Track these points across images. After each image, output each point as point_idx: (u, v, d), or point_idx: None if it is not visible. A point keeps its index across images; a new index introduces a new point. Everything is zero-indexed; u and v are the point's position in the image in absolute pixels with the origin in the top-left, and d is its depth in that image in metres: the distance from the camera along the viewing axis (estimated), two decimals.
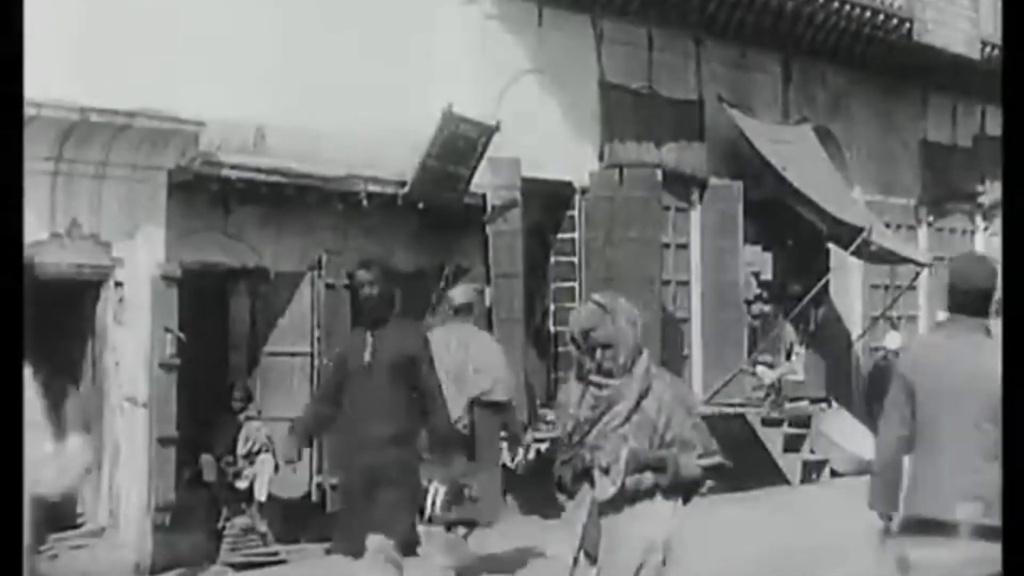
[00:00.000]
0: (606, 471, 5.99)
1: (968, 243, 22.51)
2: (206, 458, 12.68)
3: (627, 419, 6.00)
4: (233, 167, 12.54)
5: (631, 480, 5.97)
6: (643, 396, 6.02)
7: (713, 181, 17.48)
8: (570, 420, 6.12)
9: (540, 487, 14.30)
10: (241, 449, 12.80)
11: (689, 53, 17.55)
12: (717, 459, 6.08)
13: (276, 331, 13.08)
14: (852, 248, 17.85)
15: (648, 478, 5.99)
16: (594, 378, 6.06)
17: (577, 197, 16.11)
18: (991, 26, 20.27)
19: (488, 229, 14.78)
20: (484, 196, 14.67)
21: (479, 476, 10.86)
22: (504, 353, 11.49)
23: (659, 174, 16.28)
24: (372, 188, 13.64)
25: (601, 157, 16.27)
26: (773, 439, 17.14)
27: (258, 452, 12.77)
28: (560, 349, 16.09)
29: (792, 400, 17.88)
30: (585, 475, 6.08)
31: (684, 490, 6.10)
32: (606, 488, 6.00)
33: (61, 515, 11.00)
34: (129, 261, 11.54)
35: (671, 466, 5.99)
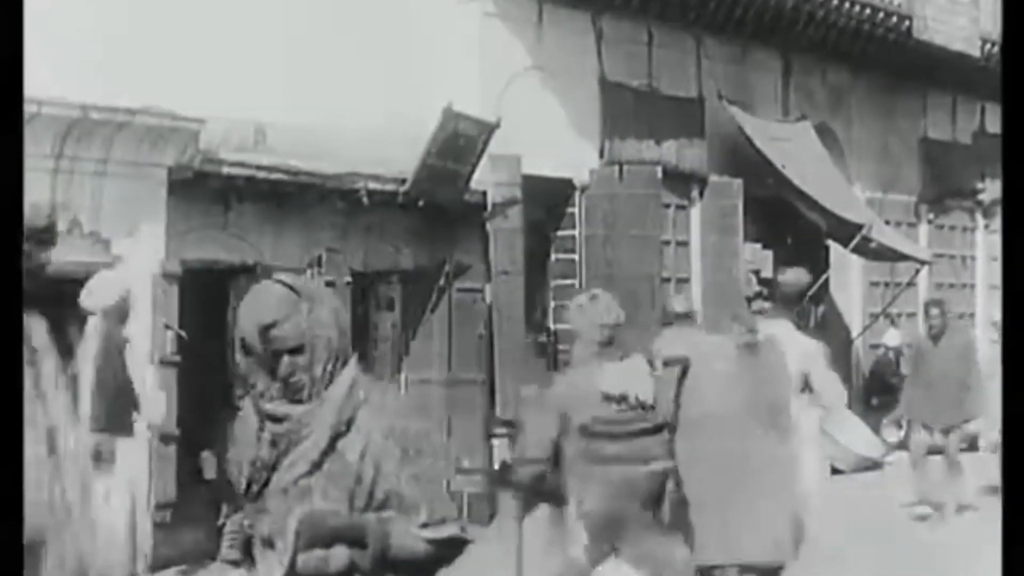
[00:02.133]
0: (270, 543, 4.11)
1: (968, 240, 22.54)
2: (206, 455, 12.68)
3: (317, 465, 4.05)
4: (233, 165, 12.55)
5: (309, 559, 4.00)
6: (342, 431, 4.05)
7: (713, 178, 17.48)
8: (245, 463, 4.22)
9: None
10: None
11: (689, 50, 17.55)
12: (451, 529, 4.07)
13: None
14: (852, 245, 17.87)
15: (339, 556, 4.01)
16: (267, 407, 4.10)
17: (577, 194, 16.11)
18: (991, 23, 20.27)
19: (489, 226, 14.78)
20: (485, 193, 14.68)
21: None
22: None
23: (659, 171, 16.29)
24: (372, 186, 13.64)
25: (601, 154, 16.27)
26: None
27: None
28: (560, 347, 16.10)
29: None
30: (247, 548, 4.22)
31: (403, 574, 4.10)
32: (271, 570, 4.09)
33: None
34: (129, 259, 11.54)
35: (375, 538, 4.00)
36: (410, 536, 4.01)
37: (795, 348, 9.48)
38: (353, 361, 4.10)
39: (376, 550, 3.98)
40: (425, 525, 4.03)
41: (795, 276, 11.68)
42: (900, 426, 16.16)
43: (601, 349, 7.56)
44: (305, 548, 3.98)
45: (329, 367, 4.05)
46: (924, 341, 14.59)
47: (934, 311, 14.54)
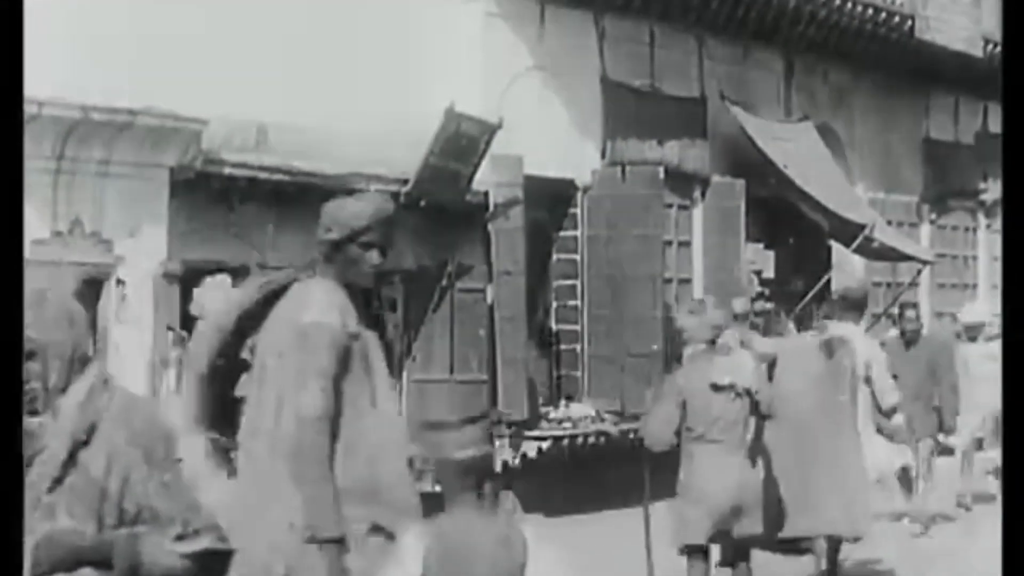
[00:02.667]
0: None
1: (971, 240, 22.54)
2: None
3: (58, 480, 3.65)
4: (235, 165, 12.56)
5: None
6: (82, 440, 3.65)
7: (715, 179, 17.48)
8: None
9: (543, 484, 14.32)
10: None
11: (691, 50, 17.55)
12: (207, 541, 3.72)
13: None
14: (854, 245, 17.86)
15: None
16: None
17: (579, 195, 16.12)
18: (993, 23, 20.27)
19: (490, 227, 14.79)
20: (486, 194, 14.68)
21: None
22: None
23: (661, 172, 16.28)
24: (375, 186, 13.63)
25: (603, 154, 16.27)
26: None
27: None
28: (562, 347, 16.11)
29: None
30: None
31: None
32: None
33: None
34: (131, 259, 11.57)
35: (122, 556, 3.62)
36: (163, 552, 3.64)
37: (862, 350, 10.66)
38: (94, 366, 3.73)
39: (124, 569, 3.60)
40: (180, 538, 3.67)
41: (858, 283, 13.31)
42: None
43: (708, 347, 9.00)
44: (46, 573, 3.58)
45: (64, 373, 3.67)
46: (896, 345, 13.58)
47: (910, 313, 13.91)
